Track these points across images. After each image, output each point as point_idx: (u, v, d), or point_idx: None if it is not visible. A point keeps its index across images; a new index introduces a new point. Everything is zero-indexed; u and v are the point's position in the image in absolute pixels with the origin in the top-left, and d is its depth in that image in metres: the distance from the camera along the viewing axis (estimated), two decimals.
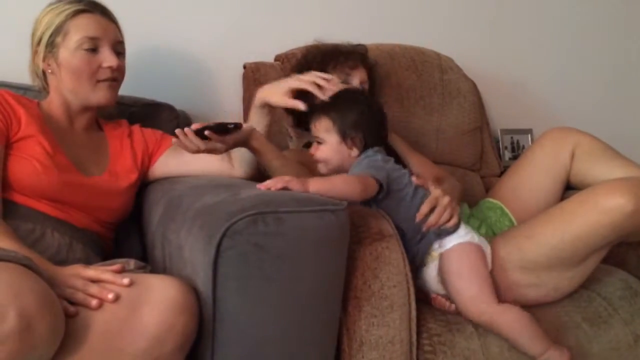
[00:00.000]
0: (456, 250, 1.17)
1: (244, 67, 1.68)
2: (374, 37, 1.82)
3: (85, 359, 0.84)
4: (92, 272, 0.94)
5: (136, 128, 1.38)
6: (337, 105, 1.25)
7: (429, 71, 1.82)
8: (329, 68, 1.52)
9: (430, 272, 1.19)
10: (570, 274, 1.22)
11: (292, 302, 0.93)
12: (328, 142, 1.24)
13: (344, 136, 1.23)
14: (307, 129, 1.56)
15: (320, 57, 1.55)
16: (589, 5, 2.28)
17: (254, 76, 1.65)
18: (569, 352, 1.12)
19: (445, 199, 1.15)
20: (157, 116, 1.49)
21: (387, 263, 1.06)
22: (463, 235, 1.18)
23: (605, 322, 1.24)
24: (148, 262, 1.14)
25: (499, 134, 2.11)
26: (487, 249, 1.21)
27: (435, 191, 1.17)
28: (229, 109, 1.69)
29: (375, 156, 1.21)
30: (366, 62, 1.58)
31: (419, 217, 1.14)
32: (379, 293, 1.05)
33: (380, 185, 1.13)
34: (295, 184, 1.03)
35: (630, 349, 1.24)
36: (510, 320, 1.12)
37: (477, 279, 1.15)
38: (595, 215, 1.14)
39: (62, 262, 1.08)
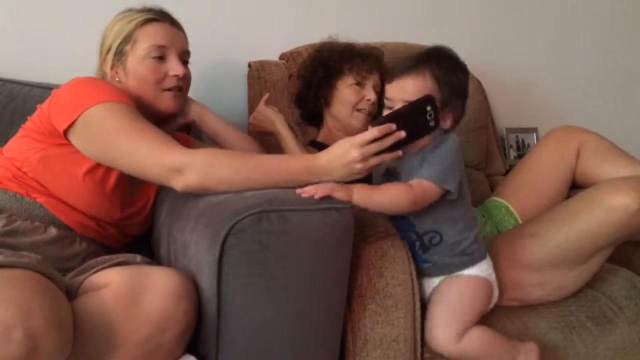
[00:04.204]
0: (468, 279, 1.11)
1: (249, 65, 1.69)
2: (379, 36, 1.82)
3: (90, 350, 0.85)
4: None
5: None
6: (442, 62, 1.05)
7: None
8: (345, 68, 1.52)
9: (431, 284, 1.14)
10: (575, 273, 1.22)
11: (297, 300, 0.93)
12: None
13: (445, 104, 1.05)
14: (312, 123, 1.55)
15: (337, 56, 1.55)
16: (595, 5, 2.27)
17: (259, 75, 1.65)
18: (533, 344, 1.11)
19: None
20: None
21: (392, 261, 1.06)
22: (485, 269, 1.13)
23: (611, 321, 1.24)
24: (154, 260, 1.14)
25: (504, 132, 2.11)
26: (496, 292, 1.16)
27: None
28: (235, 108, 1.69)
29: (457, 144, 1.07)
30: (380, 67, 1.57)
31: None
32: (384, 291, 1.05)
33: (446, 191, 1.04)
34: (339, 193, 0.97)
35: (636, 349, 1.23)
36: (479, 351, 1.06)
37: (457, 306, 1.08)
38: (600, 214, 1.14)
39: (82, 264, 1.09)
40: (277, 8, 1.82)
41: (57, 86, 1.38)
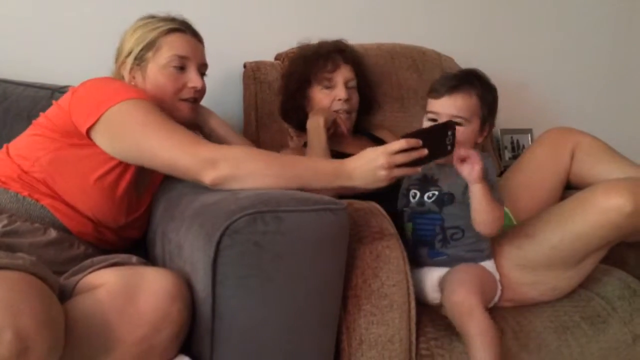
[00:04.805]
0: (481, 265, 1.18)
1: (244, 66, 1.69)
2: (374, 37, 1.82)
3: (84, 351, 0.84)
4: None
5: None
6: (482, 83, 1.15)
7: (429, 71, 1.82)
8: (311, 75, 1.51)
9: (433, 275, 1.19)
10: (570, 274, 1.22)
11: (292, 300, 0.93)
12: (471, 126, 1.12)
13: (484, 122, 1.15)
14: (304, 130, 1.56)
15: (302, 64, 1.53)
16: (590, 6, 2.28)
17: (255, 75, 1.65)
18: None
19: None
20: None
21: (387, 262, 1.06)
22: (491, 267, 1.20)
23: (604, 321, 1.24)
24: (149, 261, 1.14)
25: (499, 133, 2.11)
26: (498, 291, 1.21)
27: None
28: (230, 108, 1.69)
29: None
30: (348, 58, 1.55)
31: None
32: (379, 292, 1.05)
33: None
34: (478, 167, 1.05)
35: (629, 348, 1.24)
36: (484, 329, 1.05)
37: (478, 279, 1.14)
38: (594, 215, 1.14)
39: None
40: (272, 8, 1.81)
41: (52, 86, 1.38)
